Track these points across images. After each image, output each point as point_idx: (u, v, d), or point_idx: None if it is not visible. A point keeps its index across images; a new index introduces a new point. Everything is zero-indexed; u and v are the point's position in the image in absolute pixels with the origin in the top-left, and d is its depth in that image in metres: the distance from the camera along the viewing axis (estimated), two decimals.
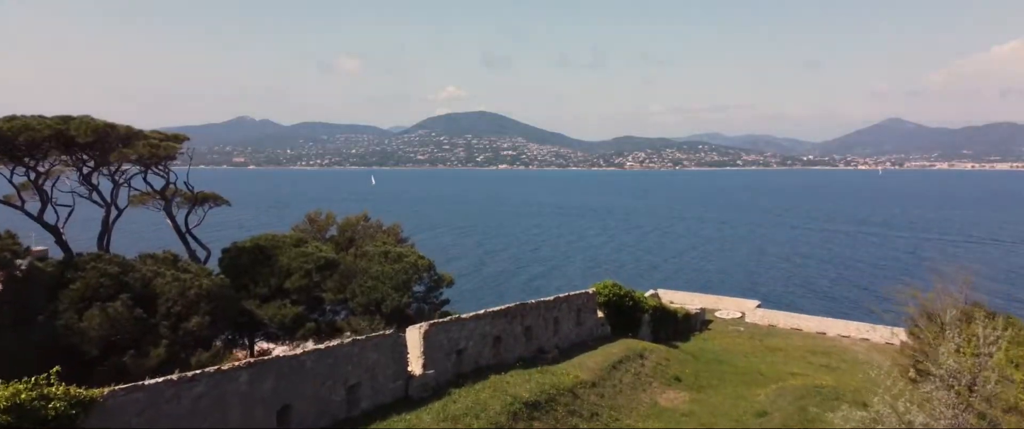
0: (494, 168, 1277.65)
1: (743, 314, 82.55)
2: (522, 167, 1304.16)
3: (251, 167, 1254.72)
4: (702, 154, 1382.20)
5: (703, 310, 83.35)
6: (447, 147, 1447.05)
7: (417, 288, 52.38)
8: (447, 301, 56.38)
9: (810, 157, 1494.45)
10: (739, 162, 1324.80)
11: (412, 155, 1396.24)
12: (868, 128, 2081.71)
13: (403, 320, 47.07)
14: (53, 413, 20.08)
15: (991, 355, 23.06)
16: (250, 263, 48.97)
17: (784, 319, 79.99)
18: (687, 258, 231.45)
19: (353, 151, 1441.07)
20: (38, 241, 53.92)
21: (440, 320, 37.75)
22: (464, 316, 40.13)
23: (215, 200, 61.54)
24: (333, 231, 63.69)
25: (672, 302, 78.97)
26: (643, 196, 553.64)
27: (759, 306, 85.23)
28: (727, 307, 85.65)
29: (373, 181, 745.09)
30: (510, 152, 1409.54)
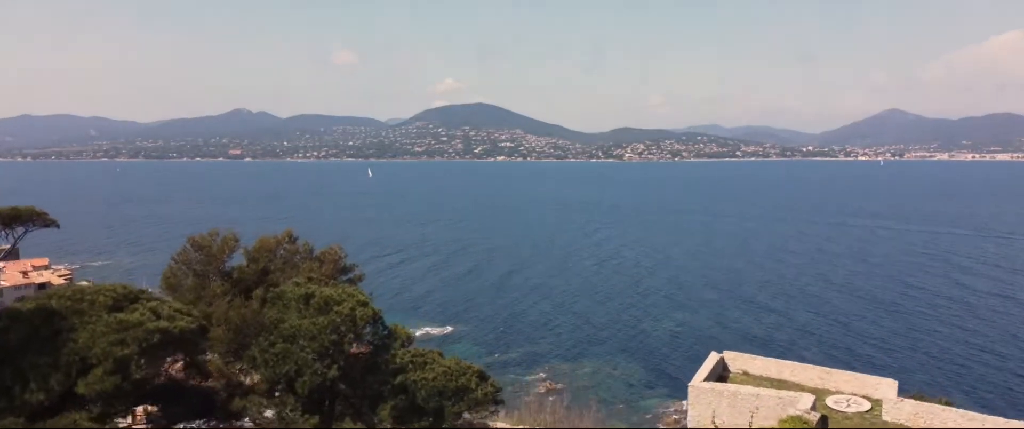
0: (492, 160, 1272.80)
1: (872, 406, 40.47)
2: (520, 159, 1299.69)
3: (248, 159, 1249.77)
4: (701, 145, 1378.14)
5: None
6: (445, 139, 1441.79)
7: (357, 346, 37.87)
8: (402, 371, 38.81)
9: (809, 148, 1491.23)
10: (738, 153, 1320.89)
11: (409, 147, 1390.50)
12: (867, 119, 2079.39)
13: (326, 408, 33.53)
14: None
15: None
16: (22, 343, 28.03)
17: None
18: (754, 295, 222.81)
19: (350, 143, 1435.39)
20: None
21: None
22: None
23: (32, 219, 53.14)
24: (235, 261, 46.45)
25: (746, 373, 44.36)
26: (659, 188, 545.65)
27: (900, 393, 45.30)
28: (840, 386, 43.65)
29: (370, 173, 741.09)
30: (508, 144, 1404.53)
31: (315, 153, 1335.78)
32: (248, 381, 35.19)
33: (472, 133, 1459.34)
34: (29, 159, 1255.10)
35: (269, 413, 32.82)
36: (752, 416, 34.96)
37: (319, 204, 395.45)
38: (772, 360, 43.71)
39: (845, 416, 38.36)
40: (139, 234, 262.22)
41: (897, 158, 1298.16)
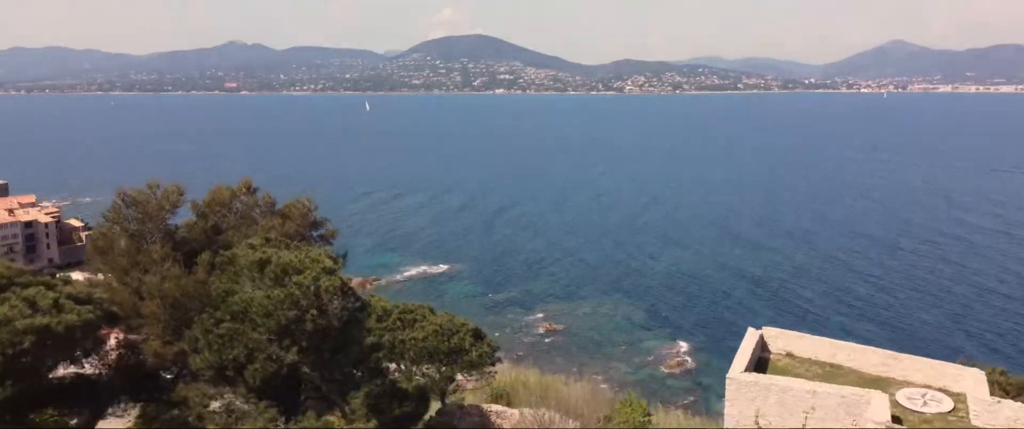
0: (490, 93, 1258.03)
1: (955, 404, 30.27)
2: (519, 91, 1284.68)
3: (244, 93, 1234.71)
4: (702, 78, 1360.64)
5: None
6: (443, 71, 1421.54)
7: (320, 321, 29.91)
8: (378, 349, 33.36)
9: (811, 80, 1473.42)
10: (740, 86, 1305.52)
11: (407, 80, 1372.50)
12: (870, 51, 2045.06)
13: (288, 396, 28.31)
14: None
15: None
16: None
17: None
18: (749, 231, 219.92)
19: (347, 76, 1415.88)
20: None
21: None
22: None
23: None
24: (181, 217, 39.04)
25: (790, 355, 36.39)
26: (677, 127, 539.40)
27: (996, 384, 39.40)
28: (910, 375, 34.26)
29: (367, 107, 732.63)
30: (507, 76, 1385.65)
31: (312, 86, 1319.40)
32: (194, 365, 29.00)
33: (470, 65, 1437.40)
34: (23, 92, 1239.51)
35: (215, 405, 26.51)
36: (806, 418, 28.32)
37: (315, 139, 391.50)
38: (823, 340, 35.24)
39: (922, 418, 28.91)
40: (131, 170, 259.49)
41: (900, 90, 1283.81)
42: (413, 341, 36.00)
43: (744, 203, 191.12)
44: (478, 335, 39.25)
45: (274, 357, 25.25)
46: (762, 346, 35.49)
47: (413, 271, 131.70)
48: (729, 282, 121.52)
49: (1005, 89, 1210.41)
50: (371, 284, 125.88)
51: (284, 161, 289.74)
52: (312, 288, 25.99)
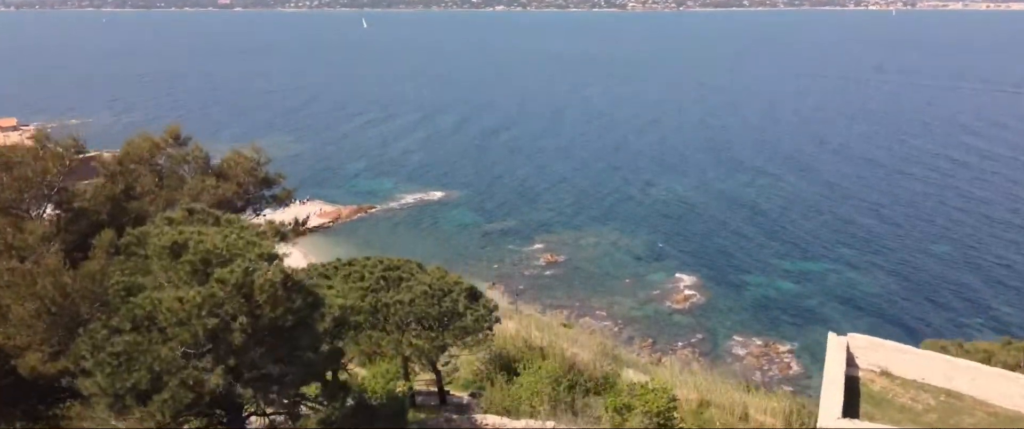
0: (491, 9, 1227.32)
1: None
2: (520, 8, 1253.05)
3: (238, 9, 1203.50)
4: None
5: None
6: None
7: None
8: (334, 357, 22.57)
9: None
10: (746, 2, 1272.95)
11: None
12: None
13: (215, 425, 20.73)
14: None
15: None
16: None
17: None
18: (751, 158, 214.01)
19: None
20: None
21: None
22: None
23: None
24: (77, 184, 29.70)
25: (886, 374, 28.93)
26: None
27: None
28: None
29: (365, 24, 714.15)
30: None
31: (307, 3, 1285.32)
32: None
33: None
34: (13, 9, 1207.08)
35: None
36: None
37: (308, 57, 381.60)
38: (934, 356, 25.71)
39: None
40: (121, 90, 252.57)
41: (909, 8, 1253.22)
42: (399, 305, 31.87)
43: (746, 126, 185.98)
44: (474, 295, 34.79)
45: (191, 381, 17.73)
46: (850, 361, 27.66)
47: (408, 198, 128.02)
48: (730, 211, 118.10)
49: (1016, 7, 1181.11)
50: (366, 212, 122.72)
51: (274, 80, 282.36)
52: (242, 284, 18.03)
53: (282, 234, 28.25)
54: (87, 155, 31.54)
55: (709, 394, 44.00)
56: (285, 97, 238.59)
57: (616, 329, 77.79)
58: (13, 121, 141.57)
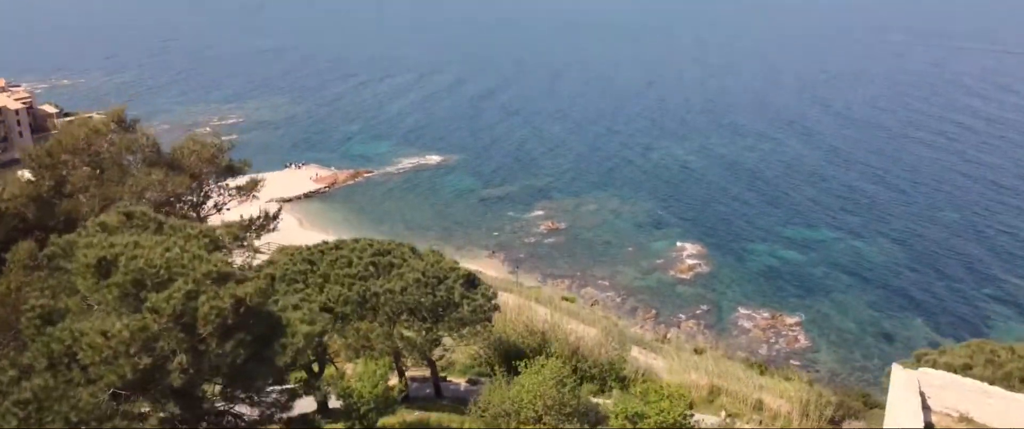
0: None
1: None
2: None
3: None
4: None
5: None
6: None
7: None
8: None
9: None
10: None
11: None
12: None
13: None
14: None
15: None
16: None
17: None
18: (752, 123, 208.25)
19: None
20: None
21: None
22: None
23: None
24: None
25: (967, 420, 21.37)
26: None
27: None
28: None
29: None
30: None
31: None
32: None
33: None
34: None
35: None
36: None
37: (304, 16, 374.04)
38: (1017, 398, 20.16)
39: None
40: (114, 49, 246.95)
41: None
42: (389, 294, 29.03)
43: (747, 88, 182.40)
44: (471, 282, 31.58)
45: None
46: (923, 402, 21.31)
47: (405, 163, 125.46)
48: (732, 176, 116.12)
49: None
50: (363, 177, 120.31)
51: (269, 39, 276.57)
52: (182, 313, 14.37)
53: (241, 239, 24.29)
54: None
55: (720, 379, 42.32)
56: (280, 57, 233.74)
57: (619, 300, 76.40)
58: (1, 82, 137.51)
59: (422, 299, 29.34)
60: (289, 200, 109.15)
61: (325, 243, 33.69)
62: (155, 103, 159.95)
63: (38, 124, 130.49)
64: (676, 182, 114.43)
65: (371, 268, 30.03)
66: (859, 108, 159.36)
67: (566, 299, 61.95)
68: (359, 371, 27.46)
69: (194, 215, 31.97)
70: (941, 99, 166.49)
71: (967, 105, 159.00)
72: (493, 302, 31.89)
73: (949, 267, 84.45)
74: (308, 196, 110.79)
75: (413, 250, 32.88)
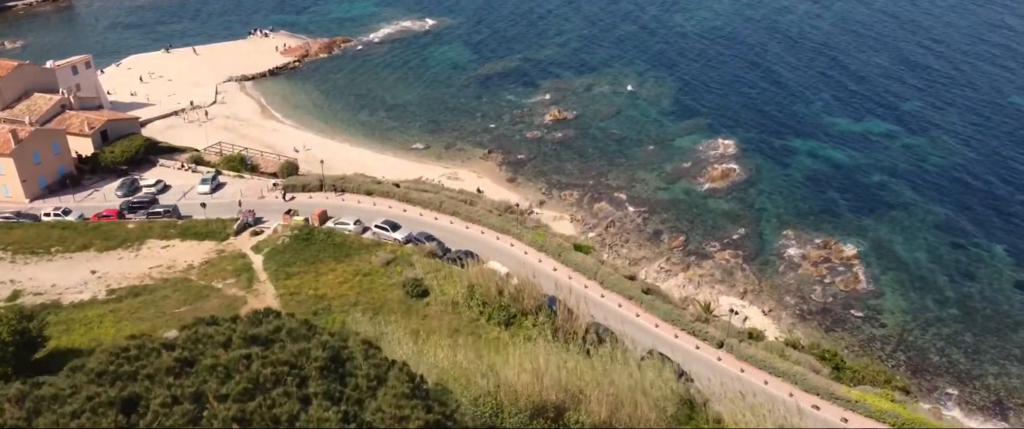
0: None
1: None
2: None
3: None
4: None
5: None
6: None
7: None
8: None
9: None
10: None
11: None
12: None
13: None
14: None
15: None
16: None
17: None
18: None
19: None
20: None
21: None
22: None
23: None
24: None
25: None
26: None
27: None
28: None
29: None
30: None
31: None
32: None
33: None
34: None
35: None
36: None
37: None
38: None
39: None
40: None
41: None
42: None
43: None
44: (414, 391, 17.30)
45: None
46: None
47: (390, 28, 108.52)
48: (765, 49, 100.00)
49: None
50: (339, 47, 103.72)
51: None
52: None
53: None
54: None
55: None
56: None
57: (639, 220, 63.71)
58: None
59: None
60: (251, 78, 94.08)
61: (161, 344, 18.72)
62: None
63: None
64: (701, 55, 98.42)
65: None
66: None
67: (580, 248, 49.10)
68: None
69: None
70: None
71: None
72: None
73: None
74: (274, 73, 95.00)
75: (307, 328, 18.61)
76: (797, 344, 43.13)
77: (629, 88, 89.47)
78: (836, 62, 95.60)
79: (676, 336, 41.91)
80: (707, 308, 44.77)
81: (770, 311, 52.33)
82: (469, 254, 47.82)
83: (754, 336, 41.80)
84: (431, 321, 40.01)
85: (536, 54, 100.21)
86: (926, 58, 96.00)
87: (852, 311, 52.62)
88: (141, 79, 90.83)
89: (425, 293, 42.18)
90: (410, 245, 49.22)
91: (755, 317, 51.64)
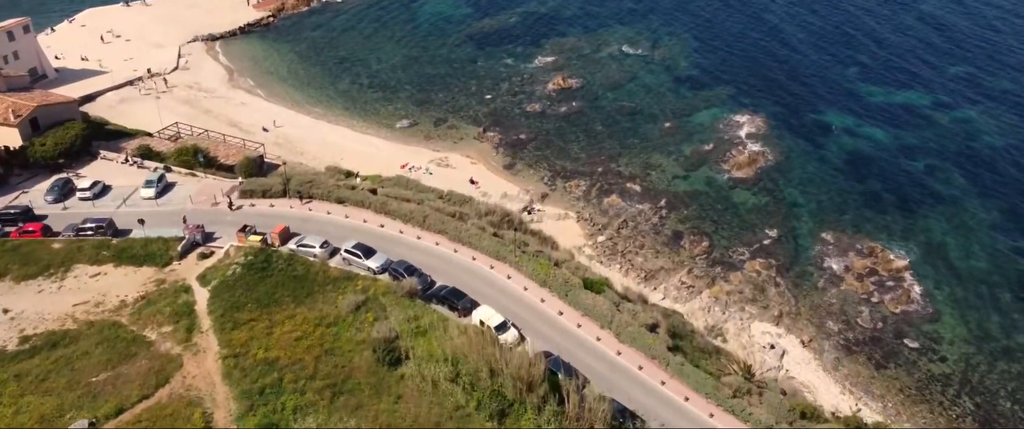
0: None
1: None
2: None
3: None
4: None
5: None
6: None
7: None
8: None
9: None
10: None
11: None
12: None
13: None
14: None
15: None
16: None
17: None
18: None
19: None
20: None
21: None
22: None
23: None
24: None
25: None
26: None
27: None
28: None
29: None
30: None
31: None
32: None
33: None
34: None
35: None
36: None
37: None
38: None
39: None
40: None
41: None
42: None
43: None
44: None
45: None
46: None
47: None
48: (790, 5, 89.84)
49: None
50: (320, 0, 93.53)
51: None
52: None
53: None
54: None
55: None
56: None
57: (656, 220, 55.49)
58: None
59: None
60: (219, 37, 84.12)
61: None
62: None
63: None
64: (720, 10, 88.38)
65: None
66: None
67: (591, 286, 40.89)
68: None
69: None
70: None
71: None
72: None
73: None
74: (245, 30, 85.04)
75: None
76: (861, 425, 35.38)
77: (641, 50, 79.97)
78: (872, 18, 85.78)
79: (711, 415, 33.51)
80: (748, 371, 37.00)
81: (810, 341, 44.68)
82: (456, 294, 39.55)
83: (808, 415, 34.08)
84: (406, 407, 32.33)
85: (539, 8, 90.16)
86: (978, 9, 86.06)
87: (905, 340, 44.97)
88: (102, 39, 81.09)
89: (399, 360, 34.21)
90: (386, 276, 41.00)
91: (793, 349, 44.11)
